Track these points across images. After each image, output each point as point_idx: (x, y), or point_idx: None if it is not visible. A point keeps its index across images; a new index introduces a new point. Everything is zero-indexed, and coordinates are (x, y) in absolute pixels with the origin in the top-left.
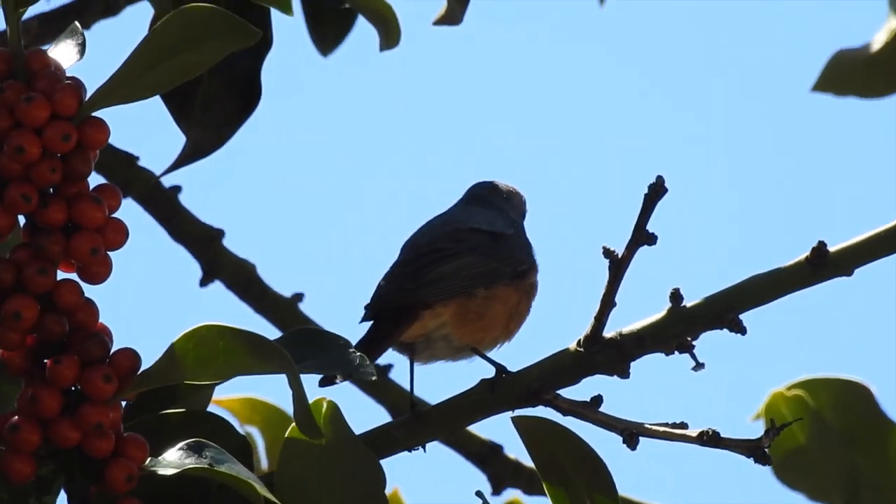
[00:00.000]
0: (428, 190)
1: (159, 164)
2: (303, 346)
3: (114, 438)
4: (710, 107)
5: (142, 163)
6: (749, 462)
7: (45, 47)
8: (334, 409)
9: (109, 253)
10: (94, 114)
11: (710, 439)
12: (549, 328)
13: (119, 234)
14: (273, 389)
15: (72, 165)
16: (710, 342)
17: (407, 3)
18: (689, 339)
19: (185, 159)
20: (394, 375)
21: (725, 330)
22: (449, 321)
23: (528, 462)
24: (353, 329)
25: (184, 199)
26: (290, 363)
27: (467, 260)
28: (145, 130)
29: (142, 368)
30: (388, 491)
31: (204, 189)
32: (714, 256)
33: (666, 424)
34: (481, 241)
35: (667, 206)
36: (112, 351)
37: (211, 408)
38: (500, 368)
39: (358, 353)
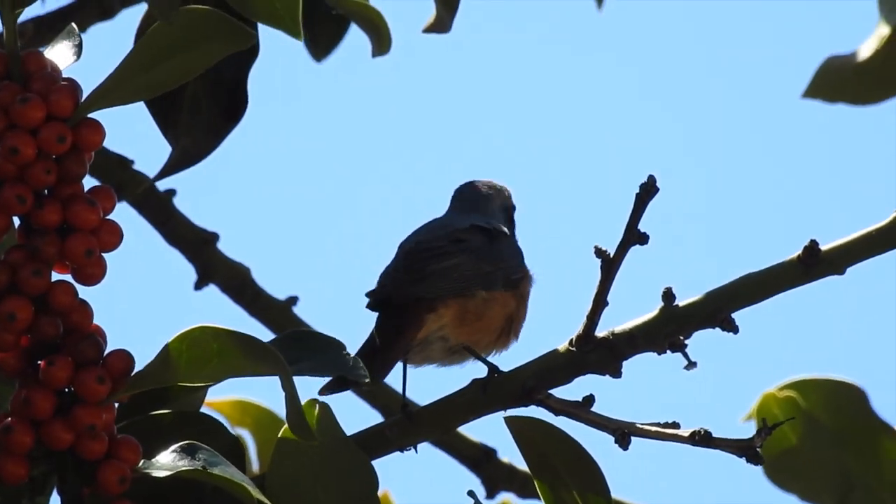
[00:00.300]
0: (420, 194)
1: (154, 167)
2: (296, 348)
3: (107, 440)
4: (701, 108)
5: (137, 166)
6: (741, 462)
7: (41, 49)
8: (326, 411)
9: (104, 255)
10: (89, 115)
11: (701, 439)
12: (541, 328)
13: (113, 236)
14: (264, 391)
15: (67, 167)
16: (703, 341)
17: (398, 10)
18: (681, 338)
19: (173, 166)
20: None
21: (718, 329)
22: (449, 322)
23: (521, 466)
24: (347, 332)
25: (178, 202)
26: (283, 365)
27: (459, 260)
28: (139, 133)
29: (135, 370)
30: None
31: (198, 193)
32: (706, 256)
33: (658, 424)
34: (477, 244)
35: (659, 205)
36: (106, 352)
37: (202, 409)
38: (492, 368)
39: (352, 356)
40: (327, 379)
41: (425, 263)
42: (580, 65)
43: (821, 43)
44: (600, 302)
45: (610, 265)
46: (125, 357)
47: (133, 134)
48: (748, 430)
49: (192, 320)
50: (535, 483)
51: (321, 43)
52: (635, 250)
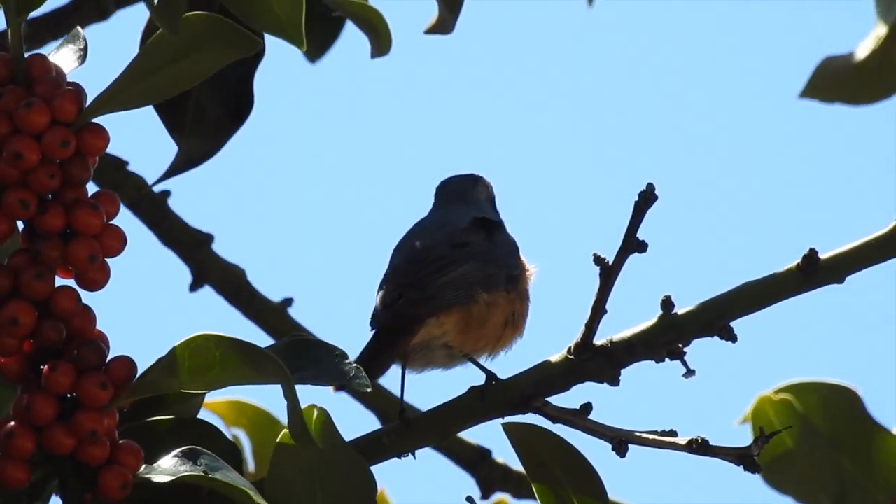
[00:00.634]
0: (417, 196)
1: (149, 168)
2: (298, 356)
3: (108, 445)
4: (700, 114)
5: (131, 167)
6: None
7: (45, 52)
8: (325, 416)
9: (107, 260)
10: (93, 120)
11: (699, 447)
12: (539, 335)
13: (117, 241)
14: (259, 392)
15: (70, 171)
16: (701, 349)
17: (398, 10)
18: (680, 346)
19: (176, 169)
20: (384, 382)
21: (716, 337)
22: (451, 329)
23: (516, 466)
24: (343, 333)
25: (173, 203)
26: (286, 374)
27: (465, 268)
28: (135, 135)
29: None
30: None
31: (193, 194)
32: (705, 264)
33: (655, 432)
34: (480, 245)
35: (658, 213)
36: (108, 358)
37: None
38: (491, 375)
39: (353, 364)
40: (328, 388)
41: (430, 277)
42: (583, 68)
43: (818, 43)
44: (599, 310)
45: (609, 273)
46: (128, 363)
47: (127, 134)
48: (743, 433)
49: (187, 322)
50: (534, 489)
51: (315, 44)
52: (635, 258)
